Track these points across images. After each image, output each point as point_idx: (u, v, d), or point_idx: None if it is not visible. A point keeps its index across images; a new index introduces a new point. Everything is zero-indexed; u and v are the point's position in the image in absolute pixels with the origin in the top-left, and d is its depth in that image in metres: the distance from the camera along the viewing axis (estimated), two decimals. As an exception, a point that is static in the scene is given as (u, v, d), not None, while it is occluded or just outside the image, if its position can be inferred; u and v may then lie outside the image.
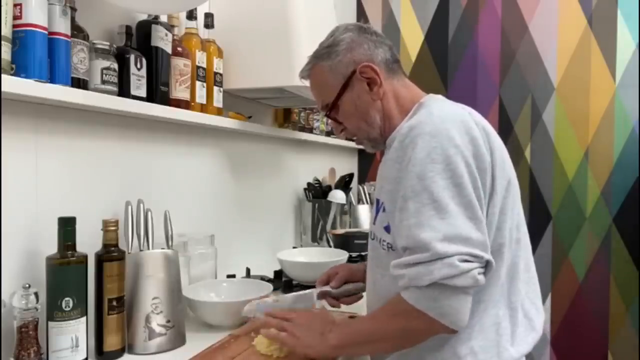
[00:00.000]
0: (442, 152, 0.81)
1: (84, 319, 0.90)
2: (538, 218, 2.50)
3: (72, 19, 0.95)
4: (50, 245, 0.92)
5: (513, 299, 0.91)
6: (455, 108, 0.92)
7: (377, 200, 0.95)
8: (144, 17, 1.19)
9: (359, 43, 0.97)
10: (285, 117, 1.95)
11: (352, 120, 1.01)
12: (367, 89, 0.97)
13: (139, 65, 1.10)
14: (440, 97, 1.00)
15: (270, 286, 1.23)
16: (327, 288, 1.13)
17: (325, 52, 0.99)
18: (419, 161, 0.82)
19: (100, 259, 0.96)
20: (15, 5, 0.83)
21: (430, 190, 0.80)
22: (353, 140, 1.07)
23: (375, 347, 0.93)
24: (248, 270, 1.59)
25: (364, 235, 1.84)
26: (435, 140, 0.82)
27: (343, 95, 0.99)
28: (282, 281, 1.53)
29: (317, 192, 2.10)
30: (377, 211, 0.94)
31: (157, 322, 1.01)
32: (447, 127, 0.83)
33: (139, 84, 1.10)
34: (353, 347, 0.91)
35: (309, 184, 2.13)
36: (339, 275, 1.14)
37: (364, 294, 1.12)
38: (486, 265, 0.81)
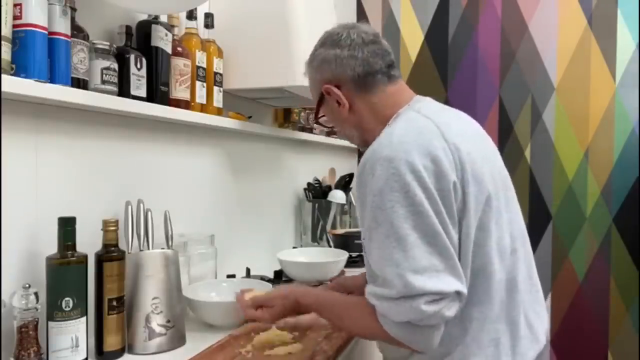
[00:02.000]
0: (400, 178, 0.80)
1: (84, 319, 0.90)
2: (538, 218, 2.50)
3: (72, 19, 0.95)
4: (50, 245, 0.92)
5: (514, 313, 0.89)
6: (422, 123, 0.89)
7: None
8: (144, 17, 1.19)
9: (327, 61, 0.97)
10: (285, 117, 1.95)
11: (337, 127, 1.07)
12: (337, 106, 0.99)
13: (139, 65, 1.10)
14: (424, 102, 0.98)
15: (270, 286, 1.23)
16: None
17: (308, 63, 1.04)
18: (378, 190, 0.81)
19: (100, 259, 0.96)
20: (15, 5, 0.83)
21: (390, 221, 0.80)
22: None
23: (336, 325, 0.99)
24: (248, 270, 1.59)
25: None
26: (392, 166, 0.81)
27: (320, 108, 1.03)
28: (282, 281, 1.53)
29: (317, 192, 2.10)
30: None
31: (157, 322, 1.01)
32: (405, 149, 0.82)
33: (139, 84, 1.10)
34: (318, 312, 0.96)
35: (309, 184, 2.13)
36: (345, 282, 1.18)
37: None
38: (457, 294, 0.80)
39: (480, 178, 0.86)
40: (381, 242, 0.81)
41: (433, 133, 0.86)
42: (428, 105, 0.96)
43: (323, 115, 1.05)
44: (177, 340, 1.04)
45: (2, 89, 0.79)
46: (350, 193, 2.27)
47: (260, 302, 1.00)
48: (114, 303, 0.96)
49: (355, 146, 1.13)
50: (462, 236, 0.84)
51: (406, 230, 0.79)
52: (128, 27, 1.12)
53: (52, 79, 0.89)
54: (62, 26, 0.91)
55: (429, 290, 0.77)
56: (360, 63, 0.96)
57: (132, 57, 1.08)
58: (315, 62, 1.00)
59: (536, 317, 0.94)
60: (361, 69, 0.96)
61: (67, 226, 0.90)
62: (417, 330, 0.80)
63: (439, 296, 0.78)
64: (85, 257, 0.92)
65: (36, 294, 0.86)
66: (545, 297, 2.49)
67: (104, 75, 1.02)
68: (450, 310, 0.79)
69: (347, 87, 0.97)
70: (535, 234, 2.51)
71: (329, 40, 0.99)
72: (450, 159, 0.83)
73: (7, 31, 0.81)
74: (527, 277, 0.94)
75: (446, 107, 0.99)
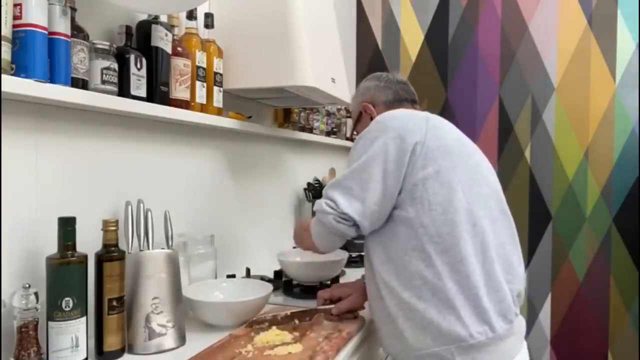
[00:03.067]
0: (373, 133, 1.07)
1: (84, 319, 0.90)
2: (538, 218, 2.50)
3: (72, 19, 0.95)
4: (50, 245, 0.92)
5: (492, 282, 1.01)
6: (418, 114, 1.12)
7: None
8: (144, 17, 1.19)
9: (368, 89, 1.35)
10: (285, 117, 1.95)
11: None
12: (370, 121, 1.22)
13: (139, 65, 1.10)
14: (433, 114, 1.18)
15: (270, 286, 1.23)
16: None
17: (355, 92, 1.40)
18: (358, 137, 1.12)
19: (100, 259, 0.96)
20: (15, 5, 0.83)
21: (352, 156, 1.10)
22: None
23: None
24: (248, 270, 1.59)
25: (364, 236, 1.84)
26: (375, 125, 1.09)
27: (358, 123, 1.37)
28: (282, 281, 1.53)
29: (317, 192, 2.10)
30: None
31: (157, 322, 1.01)
32: (389, 118, 1.09)
33: (139, 84, 1.10)
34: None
35: (309, 184, 2.13)
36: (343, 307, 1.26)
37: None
38: (352, 221, 1.04)
39: (448, 150, 1.06)
40: (344, 170, 1.10)
41: (419, 116, 1.10)
42: (435, 115, 1.15)
43: (356, 130, 1.38)
44: (177, 340, 1.04)
45: (2, 89, 0.79)
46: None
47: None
48: (114, 303, 0.96)
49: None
50: (421, 188, 1.02)
51: (354, 164, 1.07)
52: (128, 27, 1.12)
53: (52, 79, 0.89)
54: (62, 26, 0.91)
55: (332, 197, 1.06)
56: (392, 93, 1.31)
57: (132, 57, 1.08)
58: (359, 91, 1.37)
59: (512, 279, 1.06)
60: (392, 97, 1.31)
61: (67, 226, 0.90)
62: (316, 223, 1.10)
63: (335, 206, 1.05)
64: (85, 257, 0.92)
65: (36, 294, 0.86)
66: (545, 297, 2.49)
67: (104, 75, 1.02)
68: (339, 225, 1.05)
69: (379, 108, 1.30)
70: (535, 234, 2.52)
71: (373, 77, 1.37)
72: (422, 131, 1.06)
73: (7, 31, 0.81)
74: (499, 245, 1.06)
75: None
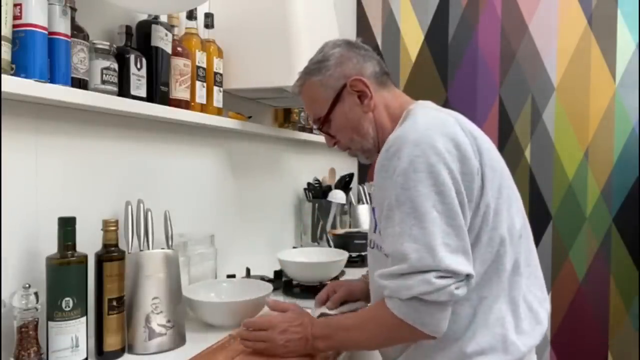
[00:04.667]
0: (425, 160, 0.83)
1: (84, 319, 0.90)
2: (538, 218, 2.50)
3: (72, 19, 0.95)
4: (50, 245, 0.92)
5: (514, 293, 0.92)
6: (441, 114, 0.94)
7: (373, 209, 0.98)
8: (144, 17, 1.19)
9: (348, 57, 1.01)
10: (285, 117, 1.95)
11: (345, 132, 1.04)
12: (357, 102, 1.01)
13: (139, 65, 1.10)
14: (429, 103, 1.03)
15: (270, 286, 1.23)
16: (323, 309, 1.17)
17: (316, 67, 1.03)
18: (402, 171, 0.84)
19: (100, 259, 0.96)
20: (15, 5, 0.83)
21: (412, 199, 0.82)
22: (347, 152, 1.10)
23: (359, 350, 1.05)
24: (248, 270, 1.59)
25: (364, 235, 1.84)
26: (418, 149, 0.84)
27: (334, 109, 1.02)
28: (282, 281, 1.53)
29: (317, 192, 2.10)
30: (375, 219, 0.97)
31: (157, 322, 1.01)
32: (430, 135, 0.85)
33: (139, 84, 1.10)
34: (338, 349, 1.01)
35: (309, 184, 2.13)
36: (337, 295, 1.19)
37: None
38: (467, 277, 0.83)
39: (495, 166, 0.91)
40: (401, 221, 0.83)
41: (453, 123, 0.91)
42: (435, 106, 1.02)
43: (328, 121, 1.04)
44: (177, 340, 1.04)
45: (2, 89, 0.78)
46: (350, 193, 2.27)
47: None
48: (114, 303, 0.96)
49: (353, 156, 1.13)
50: (479, 218, 0.87)
51: (427, 208, 0.81)
52: (128, 27, 1.12)
53: (52, 79, 0.89)
54: (62, 26, 0.91)
55: (443, 266, 0.79)
56: (377, 63, 1.04)
57: (132, 57, 1.08)
58: (331, 61, 1.01)
59: (535, 299, 0.96)
60: (378, 68, 1.03)
61: (67, 226, 0.90)
62: (425, 307, 0.81)
63: (450, 274, 0.80)
64: (85, 257, 0.92)
65: (36, 294, 0.86)
66: (545, 297, 2.49)
67: (104, 75, 1.02)
68: (460, 290, 0.81)
69: (369, 82, 1.01)
70: (535, 234, 2.50)
71: (344, 43, 1.04)
72: (472, 143, 0.89)
73: (7, 31, 0.81)
74: (525, 263, 0.97)
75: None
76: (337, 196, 2.04)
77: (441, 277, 0.80)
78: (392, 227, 0.85)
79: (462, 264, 0.81)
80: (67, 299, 0.88)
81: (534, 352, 0.96)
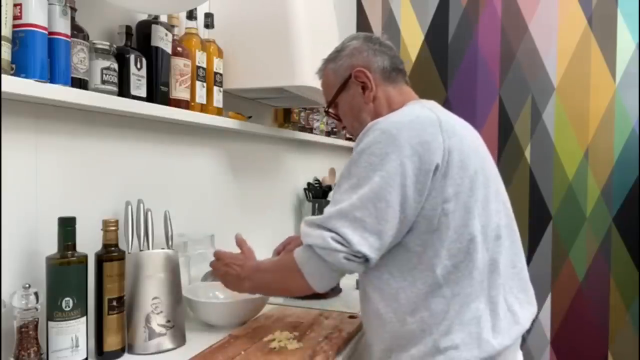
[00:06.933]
0: (382, 147, 0.89)
1: (84, 319, 0.90)
2: (538, 218, 2.50)
3: (72, 19, 0.95)
4: (50, 245, 0.92)
5: (493, 293, 0.93)
6: (424, 111, 0.96)
7: None
8: (144, 17, 1.19)
9: (360, 50, 1.08)
10: (285, 117, 1.95)
11: (348, 118, 1.12)
12: (360, 92, 1.07)
13: (139, 65, 1.10)
14: (429, 102, 1.04)
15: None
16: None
17: (334, 56, 1.12)
18: (360, 150, 0.91)
19: (100, 259, 0.96)
20: (15, 5, 0.83)
21: (358, 175, 0.90)
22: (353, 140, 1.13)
23: (271, 294, 1.18)
24: (248, 270, 1.58)
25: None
26: (382, 136, 0.90)
27: (340, 95, 1.10)
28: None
29: (317, 192, 2.10)
30: None
31: (157, 322, 1.01)
32: (398, 127, 0.90)
33: (139, 84, 1.10)
34: (258, 291, 1.10)
35: (309, 184, 2.13)
36: (291, 246, 1.25)
37: None
38: (364, 257, 0.87)
39: (468, 166, 0.92)
40: (344, 191, 0.91)
41: (431, 122, 0.93)
42: (436, 105, 1.04)
43: (334, 105, 1.12)
44: (177, 340, 1.04)
45: (2, 89, 0.78)
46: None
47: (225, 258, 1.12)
48: (114, 303, 0.97)
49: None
50: (437, 212, 0.90)
51: (364, 188, 0.88)
52: (128, 27, 1.12)
53: (52, 79, 0.89)
54: (62, 26, 0.91)
55: (340, 232, 0.87)
56: (388, 59, 1.08)
57: (132, 57, 1.08)
58: (346, 51, 1.09)
59: (516, 301, 0.97)
60: (389, 63, 1.08)
61: (67, 226, 0.90)
62: (315, 258, 0.89)
63: (346, 242, 0.86)
64: (85, 257, 0.92)
65: (36, 294, 0.86)
66: (545, 297, 2.49)
67: (104, 75, 1.02)
68: (349, 263, 0.87)
69: (374, 75, 1.06)
70: (535, 234, 2.52)
71: (362, 37, 1.11)
72: (440, 144, 0.90)
73: (7, 31, 0.81)
74: (509, 265, 0.98)
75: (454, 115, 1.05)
76: (337, 196, 2.04)
77: (337, 241, 0.86)
78: (337, 194, 0.92)
79: (360, 242, 0.86)
80: (67, 299, 0.88)
81: (511, 350, 0.95)
